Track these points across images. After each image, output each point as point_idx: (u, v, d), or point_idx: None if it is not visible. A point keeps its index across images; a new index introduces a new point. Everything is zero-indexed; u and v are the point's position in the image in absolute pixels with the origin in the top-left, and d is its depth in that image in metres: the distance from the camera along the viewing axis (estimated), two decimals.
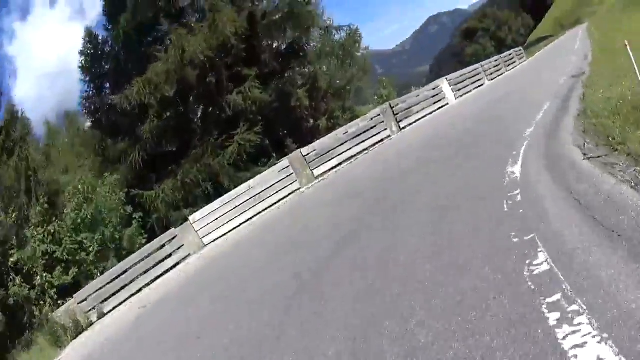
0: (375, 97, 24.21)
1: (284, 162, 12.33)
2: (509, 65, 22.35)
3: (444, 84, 15.57)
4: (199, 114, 19.40)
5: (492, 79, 19.13)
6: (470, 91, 16.86)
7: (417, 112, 14.30)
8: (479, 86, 17.66)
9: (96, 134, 20.22)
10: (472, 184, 5.30)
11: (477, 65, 18.76)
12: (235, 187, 12.32)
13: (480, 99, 14.72)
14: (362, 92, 21.62)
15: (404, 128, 13.75)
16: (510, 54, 23.96)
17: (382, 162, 10.78)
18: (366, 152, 12.91)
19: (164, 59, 16.55)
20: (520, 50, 27.37)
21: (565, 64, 15.90)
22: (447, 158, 7.34)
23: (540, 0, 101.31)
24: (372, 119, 13.42)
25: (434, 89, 15.32)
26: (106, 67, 19.84)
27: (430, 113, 14.60)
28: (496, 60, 21.21)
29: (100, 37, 19.64)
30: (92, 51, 19.35)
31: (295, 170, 12.16)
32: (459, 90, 16.24)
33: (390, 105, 13.81)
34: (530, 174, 4.72)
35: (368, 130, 13.25)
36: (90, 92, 19.76)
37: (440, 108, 14.95)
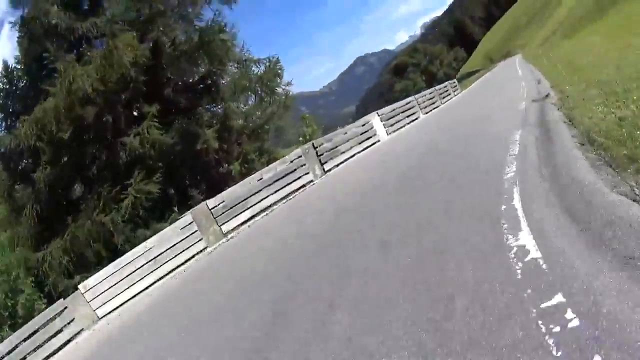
0: (301, 139, 21.92)
1: (187, 217, 10.30)
2: (444, 98, 21.32)
3: (374, 119, 13.85)
4: (103, 158, 16.64)
5: (427, 112, 17.82)
6: (404, 126, 15.31)
7: (345, 152, 12.45)
8: (414, 120, 16.20)
9: (5, 177, 17.27)
10: (449, 280, 3.04)
11: (410, 98, 17.32)
12: (132, 247, 10.30)
13: (418, 134, 13.08)
14: (284, 132, 19.15)
15: (329, 170, 11.84)
16: (445, 86, 23.02)
17: (300, 212, 9.14)
18: (284, 200, 11.04)
19: (54, 93, 13.94)
20: (454, 82, 26.70)
21: (514, 90, 14.40)
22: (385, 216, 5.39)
23: (469, 36, 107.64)
24: (291, 162, 11.42)
25: (363, 125, 13.51)
26: (17, 103, 17.03)
27: (360, 151, 12.83)
28: (430, 93, 19.98)
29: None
30: (7, 86, 16.73)
31: (200, 226, 10.18)
32: (392, 125, 14.62)
33: (314, 145, 11.85)
34: (570, 259, 2.56)
35: (287, 174, 11.28)
36: (2, 131, 16.97)
37: (371, 145, 13.20)
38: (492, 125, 8.46)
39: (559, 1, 77.55)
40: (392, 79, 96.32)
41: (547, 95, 9.26)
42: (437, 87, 21.91)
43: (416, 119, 16.38)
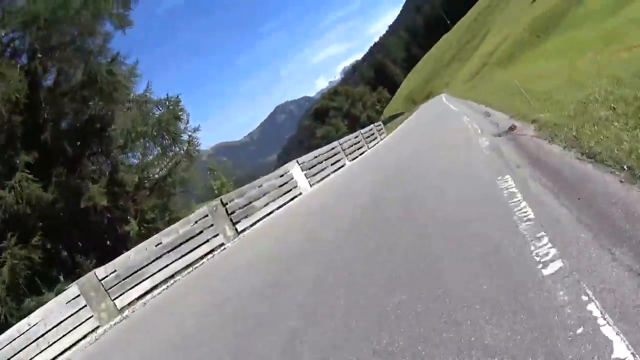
0: (216, 191, 19.63)
1: (73, 288, 8.51)
2: (370, 142, 20.60)
3: (294, 169, 12.47)
4: None
5: (354, 159, 16.83)
6: (329, 175, 14.10)
7: (262, 208, 10.93)
8: (340, 167, 15.07)
9: None
10: None
11: (334, 144, 16.21)
12: (18, 321, 8.45)
13: (347, 184, 11.56)
14: (193, 186, 16.58)
15: (243, 231, 10.24)
16: (370, 129, 22.36)
17: (207, 284, 7.87)
18: (190, 269, 9.42)
19: None
20: (380, 125, 26.24)
21: (458, 125, 12.88)
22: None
23: (390, 79, 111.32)
24: (196, 222, 9.73)
25: (281, 175, 12.04)
26: None
27: (280, 207, 11.37)
28: (356, 137, 19.04)
29: None
30: None
31: (89, 300, 8.49)
32: (315, 175, 13.33)
33: (222, 202, 10.21)
34: None
35: (193, 237, 9.60)
36: None
37: (291, 200, 11.78)
38: (460, 171, 6.60)
39: (484, 35, 79.88)
40: (313, 125, 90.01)
41: (512, 127, 8.00)
42: (362, 130, 21.13)
43: (342, 166, 15.27)
